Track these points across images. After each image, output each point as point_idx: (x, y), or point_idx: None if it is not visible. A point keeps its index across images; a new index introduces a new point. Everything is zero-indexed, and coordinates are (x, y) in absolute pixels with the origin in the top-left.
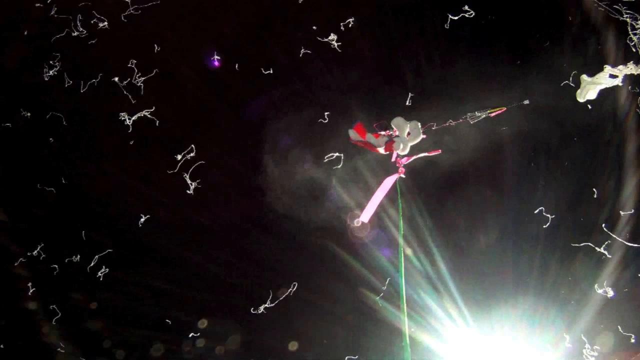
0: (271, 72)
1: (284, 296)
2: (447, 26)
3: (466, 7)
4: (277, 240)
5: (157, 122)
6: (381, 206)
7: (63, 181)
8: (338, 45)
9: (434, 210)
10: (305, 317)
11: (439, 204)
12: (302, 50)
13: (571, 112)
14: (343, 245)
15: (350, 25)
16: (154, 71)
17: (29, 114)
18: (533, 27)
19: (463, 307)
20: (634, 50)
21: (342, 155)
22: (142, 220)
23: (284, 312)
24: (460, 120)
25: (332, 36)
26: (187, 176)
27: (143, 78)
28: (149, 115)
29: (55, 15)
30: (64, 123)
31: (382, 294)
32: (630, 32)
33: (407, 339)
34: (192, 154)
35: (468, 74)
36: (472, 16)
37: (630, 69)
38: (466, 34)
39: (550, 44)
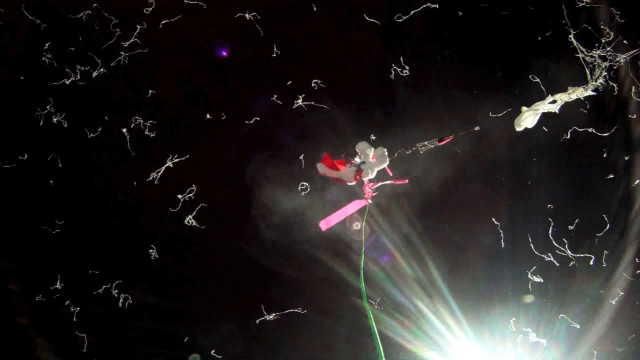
0: (253, 121)
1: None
2: (392, 77)
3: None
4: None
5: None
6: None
7: (57, 222)
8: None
9: (419, 222)
10: (304, 330)
11: (424, 218)
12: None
13: (528, 135)
14: (338, 254)
15: (318, 85)
16: (149, 122)
17: (26, 156)
18: (489, 58)
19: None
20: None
21: (308, 185)
22: (154, 253)
23: (283, 326)
24: (409, 151)
25: (300, 98)
26: (191, 218)
27: (148, 130)
28: (176, 160)
29: (51, 61)
30: (59, 165)
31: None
32: (576, 46)
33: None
34: (191, 194)
35: (428, 106)
36: (406, 75)
37: (570, 93)
38: (424, 67)
39: (502, 74)
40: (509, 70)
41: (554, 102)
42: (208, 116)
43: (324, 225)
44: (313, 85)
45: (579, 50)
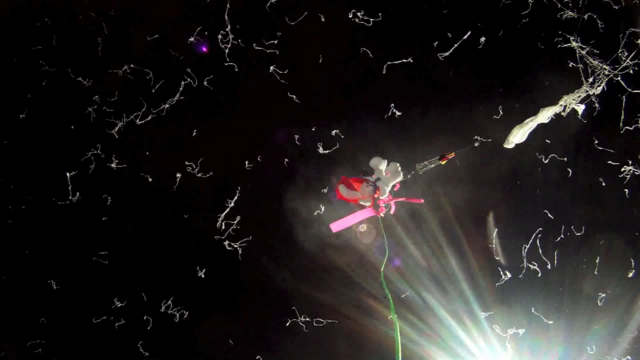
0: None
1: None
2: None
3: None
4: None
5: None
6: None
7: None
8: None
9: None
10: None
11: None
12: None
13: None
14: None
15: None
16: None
17: (78, 195)
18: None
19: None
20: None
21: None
22: (202, 273)
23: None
24: (409, 176)
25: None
26: (237, 246)
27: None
28: (235, 199)
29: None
30: (108, 203)
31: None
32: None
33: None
34: (235, 223)
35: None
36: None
37: (562, 104)
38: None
39: (504, 90)
40: (512, 84)
41: (545, 114)
42: (247, 164)
43: (335, 227)
44: (333, 134)
45: (577, 52)
